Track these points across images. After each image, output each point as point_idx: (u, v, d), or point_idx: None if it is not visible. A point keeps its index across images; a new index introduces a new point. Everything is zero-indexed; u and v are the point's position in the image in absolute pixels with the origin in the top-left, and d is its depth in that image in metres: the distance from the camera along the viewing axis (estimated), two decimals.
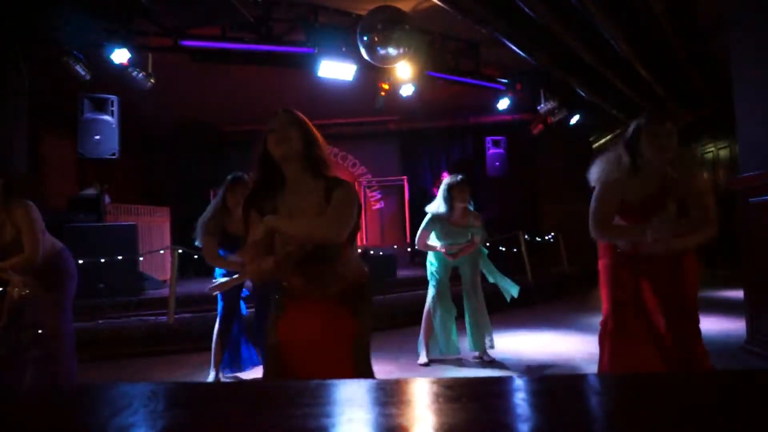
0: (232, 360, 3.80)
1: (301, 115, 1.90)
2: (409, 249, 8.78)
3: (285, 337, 1.86)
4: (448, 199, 3.84)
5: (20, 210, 2.79)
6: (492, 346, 4.10)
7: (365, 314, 1.92)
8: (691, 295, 2.44)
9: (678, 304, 2.39)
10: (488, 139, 9.82)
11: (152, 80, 6.05)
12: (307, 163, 1.84)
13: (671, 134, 2.30)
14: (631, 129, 2.39)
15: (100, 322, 5.35)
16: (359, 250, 7.61)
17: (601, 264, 2.70)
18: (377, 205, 10.53)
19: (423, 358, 3.98)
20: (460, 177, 3.90)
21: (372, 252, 7.73)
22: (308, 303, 1.86)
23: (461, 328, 4.10)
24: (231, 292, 3.50)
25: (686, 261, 2.42)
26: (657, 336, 2.44)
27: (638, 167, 2.34)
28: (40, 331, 2.82)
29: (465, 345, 4.14)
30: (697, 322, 2.45)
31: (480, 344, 4.02)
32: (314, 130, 1.89)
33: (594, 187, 2.45)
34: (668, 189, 2.34)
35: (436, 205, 3.89)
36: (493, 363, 4.00)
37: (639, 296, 2.48)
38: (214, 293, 3.46)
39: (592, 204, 2.41)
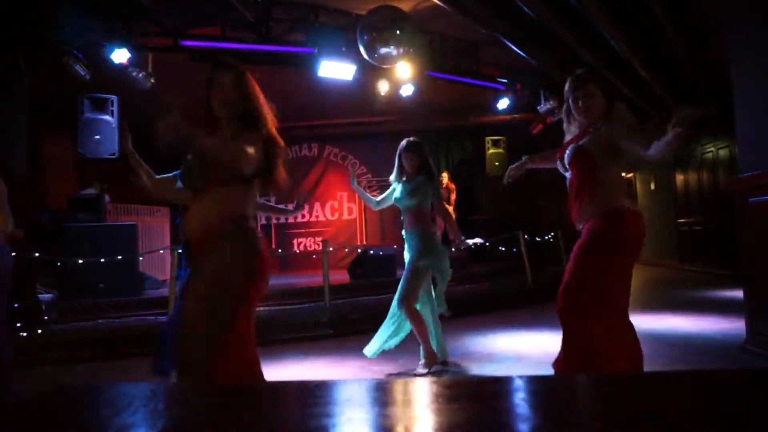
0: None
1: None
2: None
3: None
4: (398, 164, 3.81)
5: None
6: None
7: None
8: (575, 271, 2.53)
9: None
10: (488, 139, 9.82)
11: (152, 80, 6.05)
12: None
13: (591, 95, 2.37)
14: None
15: (100, 321, 5.36)
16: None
17: None
18: None
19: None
20: (407, 141, 3.83)
21: (372, 252, 7.74)
22: None
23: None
24: None
25: (593, 225, 2.47)
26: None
27: (576, 127, 2.51)
28: None
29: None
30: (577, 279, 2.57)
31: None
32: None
33: None
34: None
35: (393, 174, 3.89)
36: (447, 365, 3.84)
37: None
38: None
39: None
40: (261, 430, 0.66)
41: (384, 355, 4.06)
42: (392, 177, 3.86)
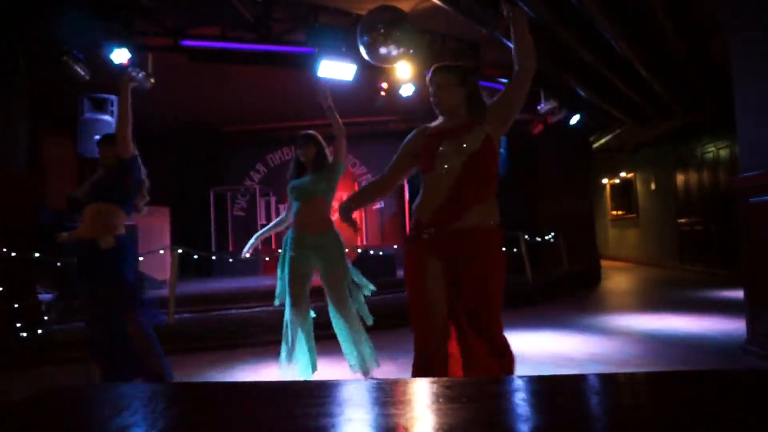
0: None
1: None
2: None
3: None
4: (295, 158, 3.50)
5: None
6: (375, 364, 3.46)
7: None
8: (494, 278, 2.13)
9: (477, 288, 2.10)
10: None
11: (152, 80, 6.05)
12: None
13: (443, 86, 2.28)
14: None
15: None
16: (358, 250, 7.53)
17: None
18: (377, 205, 10.52)
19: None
20: (303, 132, 3.52)
21: (372, 252, 7.73)
22: None
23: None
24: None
25: (490, 236, 2.17)
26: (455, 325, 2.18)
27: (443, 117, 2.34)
28: None
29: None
30: (497, 309, 2.12)
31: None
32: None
33: None
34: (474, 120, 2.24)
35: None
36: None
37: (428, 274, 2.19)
38: None
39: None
40: (261, 430, 0.66)
41: (384, 355, 4.06)
42: (291, 175, 3.50)
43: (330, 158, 3.48)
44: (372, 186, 2.52)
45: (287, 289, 3.35)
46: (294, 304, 3.32)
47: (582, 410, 0.71)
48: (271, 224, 3.66)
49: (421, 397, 0.76)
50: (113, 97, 6.14)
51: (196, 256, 6.12)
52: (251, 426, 0.67)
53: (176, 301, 5.29)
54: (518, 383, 0.82)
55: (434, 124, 2.36)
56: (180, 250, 5.53)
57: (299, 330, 3.32)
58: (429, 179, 2.23)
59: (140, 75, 5.89)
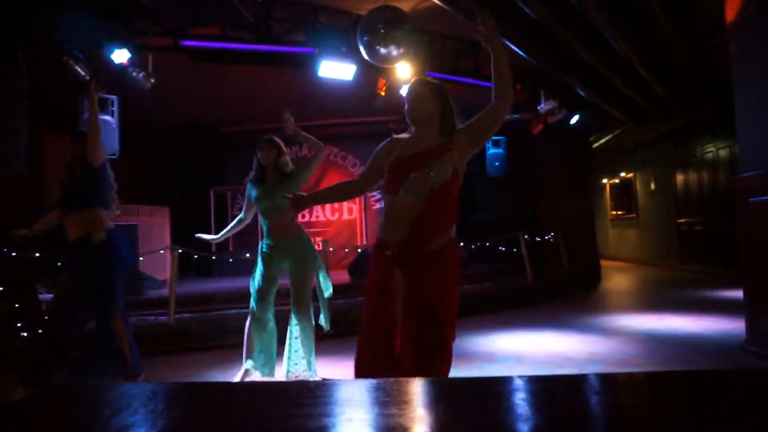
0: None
1: None
2: None
3: None
4: (256, 161, 3.50)
5: None
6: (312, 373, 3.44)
7: None
8: (445, 296, 2.15)
9: (425, 305, 2.13)
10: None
11: (152, 80, 6.06)
12: None
13: (418, 95, 2.32)
14: None
15: None
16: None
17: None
18: (377, 205, 10.51)
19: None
20: (265, 137, 3.52)
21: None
22: None
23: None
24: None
25: (446, 254, 2.20)
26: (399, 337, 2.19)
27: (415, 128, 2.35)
28: None
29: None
30: (446, 327, 2.12)
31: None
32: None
33: None
34: (444, 146, 2.23)
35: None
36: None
37: (388, 287, 2.22)
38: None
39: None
40: (261, 430, 0.66)
41: None
42: (251, 179, 3.53)
43: (291, 165, 3.53)
44: (345, 187, 2.62)
45: (256, 287, 3.48)
46: (259, 299, 3.45)
47: (581, 410, 0.71)
48: (229, 226, 3.72)
49: (421, 397, 0.76)
50: (113, 97, 6.14)
51: (196, 256, 6.12)
52: (251, 426, 0.67)
53: (176, 301, 5.30)
54: (518, 383, 0.82)
55: (405, 137, 2.38)
56: (180, 250, 5.53)
57: (259, 331, 3.43)
58: (393, 201, 2.25)
59: (140, 75, 5.90)
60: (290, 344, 3.44)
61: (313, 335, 3.45)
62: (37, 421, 0.72)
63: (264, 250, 3.49)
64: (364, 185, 2.51)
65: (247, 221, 3.64)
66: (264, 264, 3.47)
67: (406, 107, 2.37)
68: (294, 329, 3.44)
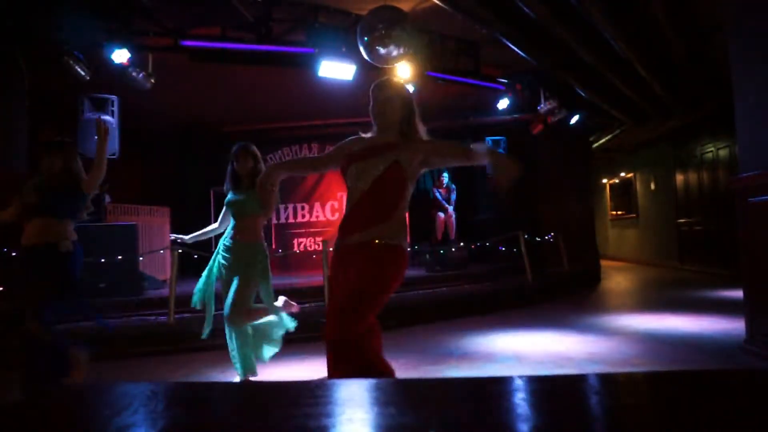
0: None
1: None
2: (408, 249, 8.77)
3: None
4: (231, 169, 3.54)
5: None
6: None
7: None
8: (365, 287, 2.18)
9: (346, 289, 2.20)
10: (488, 139, 9.82)
11: (152, 80, 6.06)
12: None
13: (387, 100, 2.40)
14: None
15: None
16: None
17: None
18: None
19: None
20: (242, 144, 3.55)
21: None
22: None
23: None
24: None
25: (384, 251, 2.24)
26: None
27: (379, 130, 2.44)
28: None
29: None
30: (356, 313, 2.14)
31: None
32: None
33: None
34: (393, 144, 2.34)
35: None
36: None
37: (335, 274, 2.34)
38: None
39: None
40: (261, 430, 0.66)
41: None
42: (227, 186, 3.57)
43: None
44: (308, 161, 2.90)
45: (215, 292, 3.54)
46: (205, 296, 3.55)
47: (581, 410, 0.71)
48: (201, 231, 3.74)
49: (421, 397, 0.76)
50: (113, 97, 6.14)
51: (196, 256, 6.12)
52: (251, 426, 0.67)
53: (176, 301, 5.29)
54: (518, 383, 0.82)
55: (367, 135, 2.48)
56: (180, 250, 5.53)
57: (233, 334, 3.44)
58: (347, 194, 2.38)
59: (140, 75, 5.90)
60: (233, 348, 3.47)
61: (248, 333, 3.47)
62: (37, 421, 0.72)
63: (220, 249, 3.51)
64: (324, 164, 2.63)
65: (220, 231, 3.67)
66: (217, 267, 3.52)
67: (372, 107, 2.44)
68: (232, 335, 3.46)
